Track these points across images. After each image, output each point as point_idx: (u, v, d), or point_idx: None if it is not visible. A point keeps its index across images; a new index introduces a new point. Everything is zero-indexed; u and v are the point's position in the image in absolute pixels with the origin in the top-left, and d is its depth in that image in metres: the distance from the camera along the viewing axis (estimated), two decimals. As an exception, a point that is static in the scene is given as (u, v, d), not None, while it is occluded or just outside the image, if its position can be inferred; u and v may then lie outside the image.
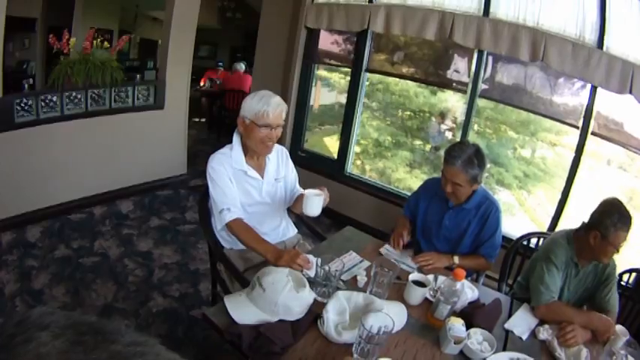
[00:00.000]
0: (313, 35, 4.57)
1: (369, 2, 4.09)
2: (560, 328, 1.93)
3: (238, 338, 1.48)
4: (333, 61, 4.82)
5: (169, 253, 3.65)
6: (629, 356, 1.93)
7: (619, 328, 2.03)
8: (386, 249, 2.28)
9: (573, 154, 3.60)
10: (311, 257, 1.90)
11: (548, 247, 2.17)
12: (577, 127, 3.58)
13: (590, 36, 3.36)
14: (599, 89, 3.44)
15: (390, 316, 1.49)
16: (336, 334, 1.51)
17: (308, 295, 1.62)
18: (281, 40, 4.88)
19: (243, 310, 1.57)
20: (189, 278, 3.33)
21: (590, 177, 3.96)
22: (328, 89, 4.94)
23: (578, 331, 1.90)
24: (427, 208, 2.52)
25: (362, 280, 1.93)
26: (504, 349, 1.76)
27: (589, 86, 3.49)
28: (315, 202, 2.04)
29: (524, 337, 1.89)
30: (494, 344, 1.68)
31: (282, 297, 1.54)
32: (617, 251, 1.99)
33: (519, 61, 3.69)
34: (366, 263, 2.11)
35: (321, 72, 4.93)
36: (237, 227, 2.06)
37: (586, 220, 2.09)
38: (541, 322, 2.00)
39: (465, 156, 2.18)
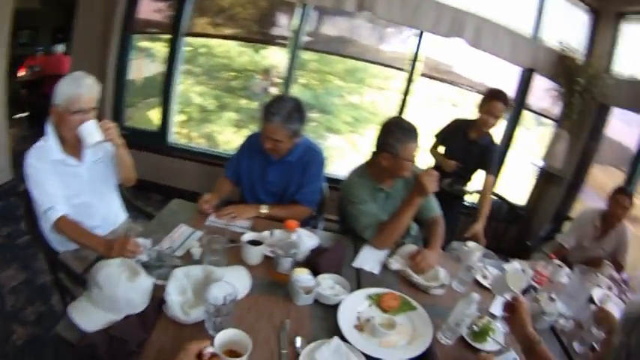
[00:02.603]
0: (132, 3, 4.20)
1: None
2: (409, 257, 2.03)
3: (93, 349, 1.31)
4: (155, 30, 4.51)
5: (14, 273, 3.18)
6: (488, 267, 2.15)
7: (471, 244, 2.27)
8: (209, 220, 2.16)
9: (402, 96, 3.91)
10: (141, 240, 1.77)
11: (345, 192, 2.24)
12: (405, 70, 3.86)
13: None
14: (427, 35, 3.76)
15: (232, 281, 1.44)
16: (183, 315, 1.42)
17: (145, 282, 1.50)
18: (99, 12, 4.38)
19: (89, 317, 1.40)
20: (40, 295, 2.96)
21: (424, 114, 4.37)
22: (150, 60, 4.64)
23: (428, 254, 2.03)
24: (250, 165, 2.46)
25: (196, 252, 1.82)
26: (359, 287, 1.79)
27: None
28: (89, 128, 1.88)
29: (376, 271, 1.96)
30: (347, 285, 1.71)
31: (121, 290, 1.41)
32: (413, 161, 2.12)
33: (347, 13, 3.78)
34: (199, 234, 2.00)
35: (144, 43, 4.59)
36: (64, 225, 1.89)
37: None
38: (391, 254, 2.08)
39: (284, 112, 2.15)
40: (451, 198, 3.09)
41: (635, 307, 0.95)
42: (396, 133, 2.06)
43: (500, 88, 3.07)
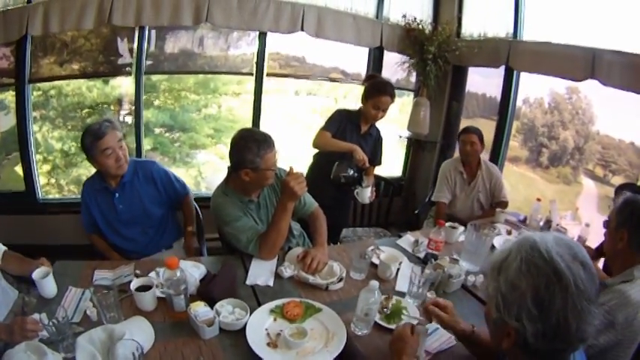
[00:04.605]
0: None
1: (27, 3, 3.45)
2: (299, 260, 2.08)
3: None
4: (4, 79, 4.09)
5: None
6: (381, 247, 2.29)
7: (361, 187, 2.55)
8: (96, 277, 2.02)
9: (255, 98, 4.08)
10: (36, 316, 1.65)
11: (217, 214, 2.23)
12: (252, 74, 4.01)
13: (257, -13, 3.62)
14: (273, 35, 3.86)
15: (135, 334, 1.41)
16: (101, 385, 1.35)
17: (54, 360, 1.41)
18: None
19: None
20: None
21: (282, 109, 4.67)
22: (5, 112, 4.24)
23: (316, 254, 2.07)
24: (98, 207, 2.49)
25: (92, 312, 1.71)
26: (259, 304, 1.80)
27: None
28: (49, 284, 1.82)
29: (271, 283, 1.98)
30: (246, 307, 1.70)
31: (34, 378, 1.30)
32: (276, 166, 2.16)
33: (189, 28, 3.82)
34: (89, 293, 1.86)
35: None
36: None
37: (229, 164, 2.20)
38: (280, 262, 2.11)
39: (106, 122, 2.31)
40: (345, 186, 3.03)
41: (496, 257, 1.07)
42: (252, 147, 2.04)
43: (385, 80, 3.08)
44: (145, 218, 2.52)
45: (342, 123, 3.00)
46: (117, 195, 2.44)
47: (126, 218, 2.47)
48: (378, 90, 2.90)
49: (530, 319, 0.94)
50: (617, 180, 3.71)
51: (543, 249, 0.96)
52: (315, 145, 2.97)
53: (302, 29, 3.84)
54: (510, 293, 0.98)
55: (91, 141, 2.25)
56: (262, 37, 3.95)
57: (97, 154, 2.28)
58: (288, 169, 2.08)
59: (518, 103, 4.20)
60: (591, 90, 3.64)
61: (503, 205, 3.33)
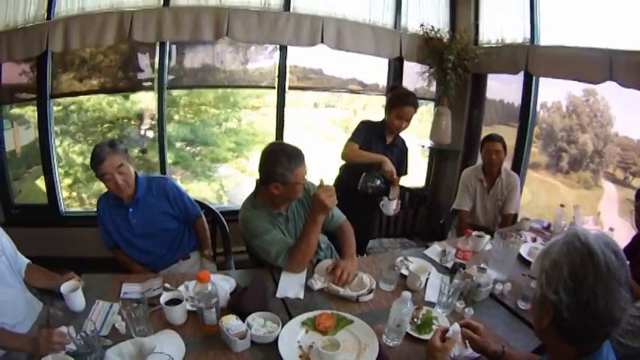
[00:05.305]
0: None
1: (47, 19, 3.51)
2: (329, 272, 2.05)
3: None
4: (24, 95, 4.15)
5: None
6: (409, 257, 2.27)
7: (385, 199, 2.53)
8: (124, 289, 2.00)
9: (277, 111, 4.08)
10: (64, 329, 1.63)
11: (246, 228, 2.21)
12: (274, 87, 4.01)
13: (276, 1, 3.68)
14: (291, 47, 3.86)
15: (165, 348, 1.40)
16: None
17: (82, 376, 1.38)
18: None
19: None
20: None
21: (301, 121, 4.65)
22: (25, 127, 4.31)
23: (345, 266, 2.05)
24: (114, 222, 2.50)
25: (121, 325, 1.70)
26: (290, 317, 1.78)
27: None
28: (78, 297, 1.83)
29: (301, 295, 1.95)
30: (278, 319, 1.68)
31: (60, 394, 1.28)
32: (305, 180, 2.13)
33: (207, 43, 3.86)
34: (117, 306, 1.84)
35: (15, 110, 4.20)
36: None
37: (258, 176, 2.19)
38: (310, 274, 2.09)
39: (106, 146, 2.30)
40: (371, 197, 2.99)
41: (545, 247, 1.17)
42: (283, 161, 2.03)
43: (407, 90, 3.10)
44: (160, 232, 2.54)
45: (367, 134, 2.99)
46: (131, 210, 2.46)
47: (140, 232, 2.49)
48: (401, 100, 2.90)
49: (566, 291, 1.04)
50: (638, 182, 3.66)
51: (582, 236, 1.07)
52: (344, 157, 2.97)
53: (322, 42, 3.86)
54: (552, 270, 1.08)
55: (93, 164, 2.28)
56: (283, 50, 3.96)
57: (99, 177, 2.32)
58: (316, 183, 2.07)
59: (537, 108, 4.15)
60: (608, 91, 3.59)
61: (509, 218, 3.30)
